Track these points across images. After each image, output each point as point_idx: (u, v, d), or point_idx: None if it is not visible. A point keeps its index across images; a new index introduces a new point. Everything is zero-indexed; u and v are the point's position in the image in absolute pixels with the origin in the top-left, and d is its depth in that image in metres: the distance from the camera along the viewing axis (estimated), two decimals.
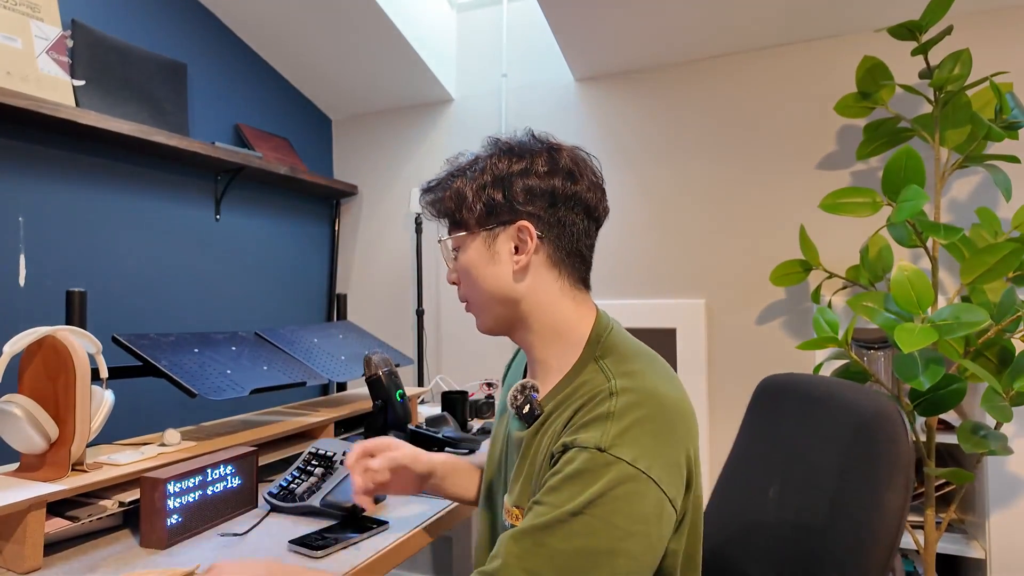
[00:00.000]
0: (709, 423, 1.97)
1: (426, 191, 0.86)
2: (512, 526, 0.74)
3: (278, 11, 2.12)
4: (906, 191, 1.41)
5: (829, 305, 1.75)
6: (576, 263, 0.81)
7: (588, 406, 0.71)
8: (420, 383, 2.40)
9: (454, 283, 0.85)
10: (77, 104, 1.64)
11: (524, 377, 0.89)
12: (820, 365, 1.67)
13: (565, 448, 0.68)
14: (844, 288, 1.80)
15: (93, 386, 1.04)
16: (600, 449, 0.65)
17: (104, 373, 1.11)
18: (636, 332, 2.75)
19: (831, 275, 1.77)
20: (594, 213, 0.81)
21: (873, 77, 1.65)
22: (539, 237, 0.78)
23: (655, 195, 2.12)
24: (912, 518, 1.62)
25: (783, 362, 1.91)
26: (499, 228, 0.79)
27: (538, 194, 0.78)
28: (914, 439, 0.74)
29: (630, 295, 2.12)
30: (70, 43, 1.67)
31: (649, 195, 2.12)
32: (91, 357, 1.05)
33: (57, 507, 0.98)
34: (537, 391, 0.80)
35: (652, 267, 2.11)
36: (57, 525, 0.95)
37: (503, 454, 0.89)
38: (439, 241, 0.87)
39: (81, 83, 1.66)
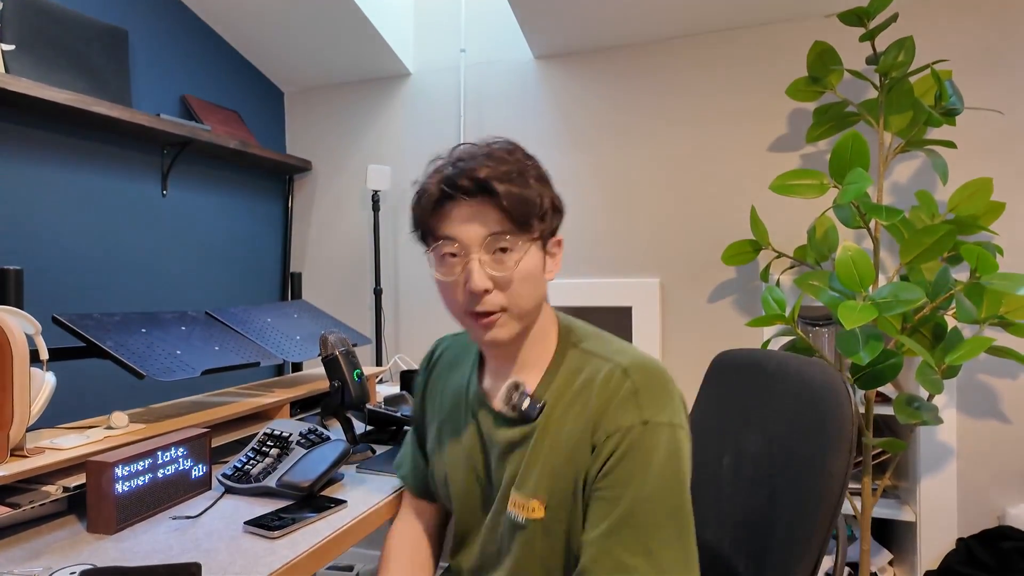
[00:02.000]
0: None
1: (503, 179, 0.75)
2: (526, 520, 0.78)
3: None
4: (851, 174, 1.46)
5: (777, 284, 1.81)
6: None
7: (607, 389, 0.76)
8: (378, 362, 2.38)
9: (487, 290, 0.76)
10: (6, 70, 1.55)
11: (472, 377, 0.93)
12: (768, 341, 1.73)
13: (608, 435, 0.73)
14: (792, 267, 1.87)
15: (33, 368, 1.00)
16: (644, 422, 0.72)
17: (44, 355, 1.06)
18: (593, 311, 2.75)
19: (780, 255, 1.82)
20: None
21: (823, 62, 1.69)
22: None
23: (611, 175, 2.13)
24: (850, 485, 1.71)
25: (733, 339, 1.98)
26: (550, 237, 0.83)
27: (559, 203, 0.84)
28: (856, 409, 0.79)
29: (586, 274, 2.15)
30: None
31: (605, 175, 2.14)
32: (30, 339, 1.01)
33: None
34: (526, 386, 0.82)
35: (608, 247, 2.13)
36: None
37: (482, 457, 0.89)
38: (490, 235, 0.76)
39: (10, 48, 1.56)
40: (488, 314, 0.78)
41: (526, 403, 0.80)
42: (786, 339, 1.73)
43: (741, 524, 0.94)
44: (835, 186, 1.55)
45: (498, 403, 0.83)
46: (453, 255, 0.78)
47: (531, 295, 0.79)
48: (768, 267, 1.83)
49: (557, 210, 0.83)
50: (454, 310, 0.82)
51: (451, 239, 0.78)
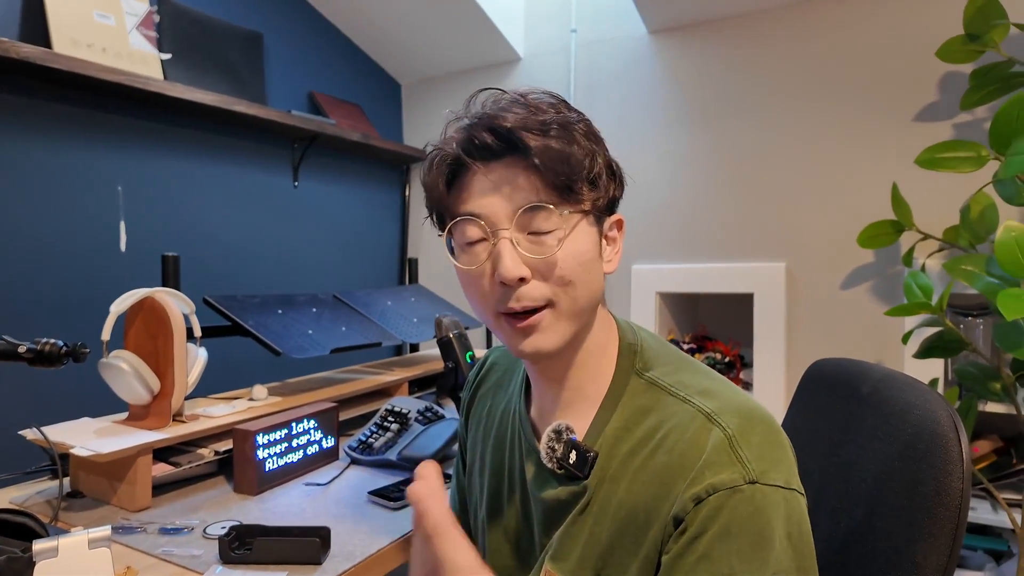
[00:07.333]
0: (786, 398, 1.91)
1: (538, 131, 0.57)
2: None
3: None
4: (1018, 143, 1.28)
5: (923, 269, 1.64)
6: None
7: (683, 439, 0.55)
8: (489, 344, 2.43)
9: (523, 279, 0.57)
10: (165, 77, 1.72)
11: (519, 403, 0.71)
12: (910, 333, 1.57)
13: (697, 499, 0.52)
14: (940, 251, 1.68)
15: (188, 344, 1.12)
16: (752, 482, 0.51)
17: (197, 332, 1.18)
18: (709, 298, 2.63)
19: (926, 236, 1.64)
20: None
21: (984, 16, 1.49)
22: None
23: (733, 153, 2.02)
24: (1009, 495, 1.52)
25: (869, 331, 1.81)
26: (607, 216, 0.63)
27: (619, 170, 0.63)
28: (969, 457, 0.57)
29: (703, 258, 2.06)
30: (157, 18, 1.74)
31: (726, 153, 2.03)
32: (185, 317, 1.13)
33: (160, 453, 1.07)
34: (573, 432, 0.62)
35: (728, 229, 2.03)
36: (162, 470, 1.04)
37: (524, 511, 0.69)
38: (523, 208, 0.57)
39: (167, 56, 1.74)
40: (527, 313, 0.58)
41: (573, 456, 0.60)
42: (931, 330, 1.56)
43: None
44: (996, 158, 1.37)
45: (542, 454, 0.62)
46: (476, 239, 0.60)
47: (585, 286, 0.59)
48: (912, 250, 1.66)
49: (616, 178, 0.62)
50: (483, 310, 0.62)
51: (472, 216, 0.59)
